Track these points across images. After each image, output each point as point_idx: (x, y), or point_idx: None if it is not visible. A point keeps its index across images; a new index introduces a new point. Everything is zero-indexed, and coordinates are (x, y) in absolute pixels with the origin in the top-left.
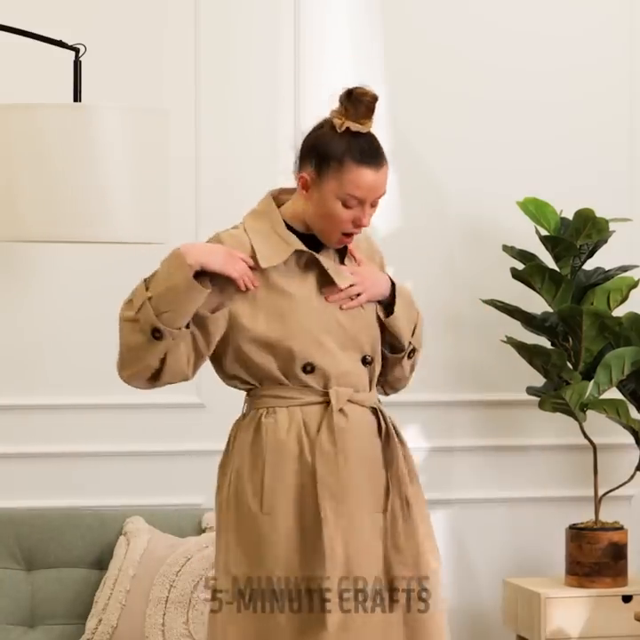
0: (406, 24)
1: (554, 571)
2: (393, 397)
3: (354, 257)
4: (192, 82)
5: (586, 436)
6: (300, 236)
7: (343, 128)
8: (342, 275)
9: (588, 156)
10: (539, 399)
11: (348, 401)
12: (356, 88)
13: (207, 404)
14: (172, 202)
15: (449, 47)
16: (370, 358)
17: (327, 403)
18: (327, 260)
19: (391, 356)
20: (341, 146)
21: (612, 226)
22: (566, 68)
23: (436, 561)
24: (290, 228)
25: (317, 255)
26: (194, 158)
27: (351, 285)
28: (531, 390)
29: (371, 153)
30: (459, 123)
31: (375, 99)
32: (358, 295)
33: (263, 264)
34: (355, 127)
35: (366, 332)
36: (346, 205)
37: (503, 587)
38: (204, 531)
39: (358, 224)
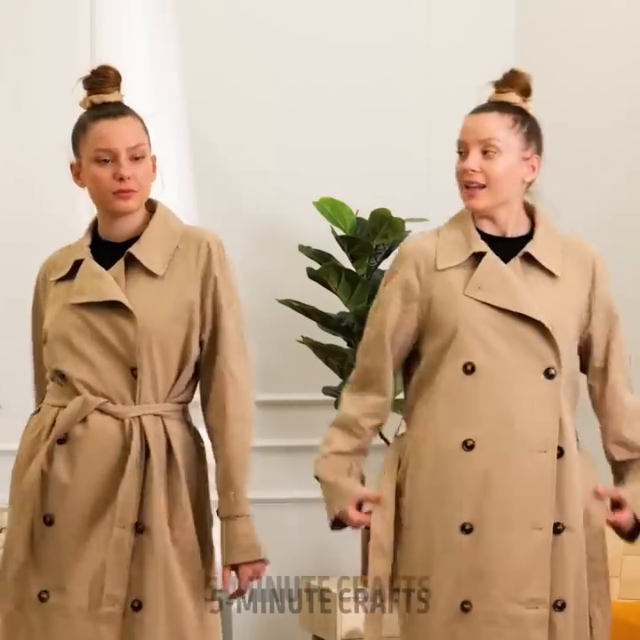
0: (204, 25)
1: (349, 570)
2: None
3: None
4: None
5: (382, 437)
6: (108, 244)
7: (88, 104)
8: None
9: (385, 157)
10: (335, 399)
11: (100, 411)
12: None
13: (4, 404)
14: None
15: (247, 50)
16: (136, 371)
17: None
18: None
19: None
20: (83, 117)
21: (408, 226)
22: (362, 72)
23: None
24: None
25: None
26: None
27: None
28: (327, 390)
29: (107, 108)
30: (256, 124)
31: (106, 68)
32: None
33: (51, 277)
34: (97, 99)
35: (137, 344)
36: (101, 163)
37: (297, 587)
38: None
39: (120, 177)
